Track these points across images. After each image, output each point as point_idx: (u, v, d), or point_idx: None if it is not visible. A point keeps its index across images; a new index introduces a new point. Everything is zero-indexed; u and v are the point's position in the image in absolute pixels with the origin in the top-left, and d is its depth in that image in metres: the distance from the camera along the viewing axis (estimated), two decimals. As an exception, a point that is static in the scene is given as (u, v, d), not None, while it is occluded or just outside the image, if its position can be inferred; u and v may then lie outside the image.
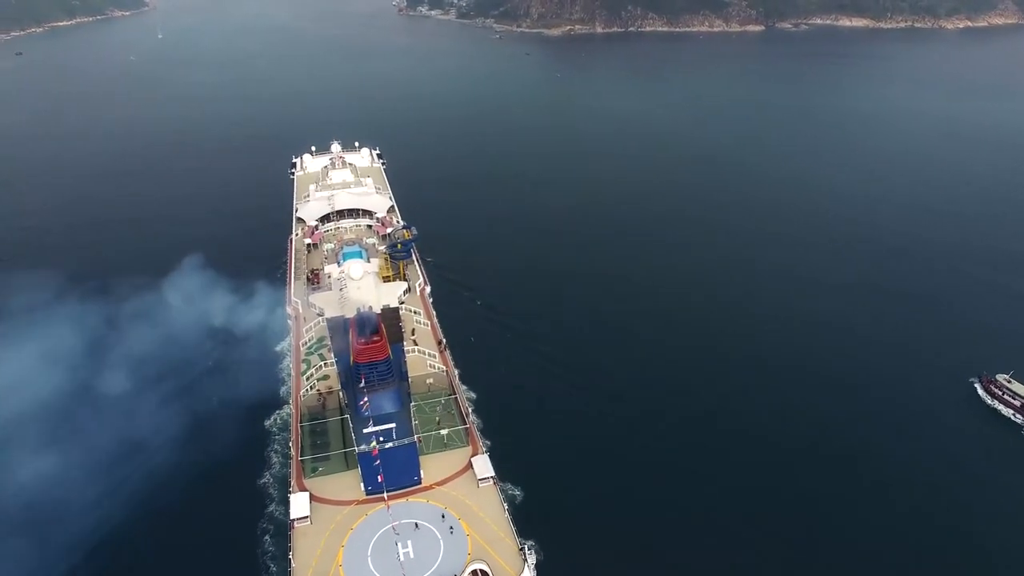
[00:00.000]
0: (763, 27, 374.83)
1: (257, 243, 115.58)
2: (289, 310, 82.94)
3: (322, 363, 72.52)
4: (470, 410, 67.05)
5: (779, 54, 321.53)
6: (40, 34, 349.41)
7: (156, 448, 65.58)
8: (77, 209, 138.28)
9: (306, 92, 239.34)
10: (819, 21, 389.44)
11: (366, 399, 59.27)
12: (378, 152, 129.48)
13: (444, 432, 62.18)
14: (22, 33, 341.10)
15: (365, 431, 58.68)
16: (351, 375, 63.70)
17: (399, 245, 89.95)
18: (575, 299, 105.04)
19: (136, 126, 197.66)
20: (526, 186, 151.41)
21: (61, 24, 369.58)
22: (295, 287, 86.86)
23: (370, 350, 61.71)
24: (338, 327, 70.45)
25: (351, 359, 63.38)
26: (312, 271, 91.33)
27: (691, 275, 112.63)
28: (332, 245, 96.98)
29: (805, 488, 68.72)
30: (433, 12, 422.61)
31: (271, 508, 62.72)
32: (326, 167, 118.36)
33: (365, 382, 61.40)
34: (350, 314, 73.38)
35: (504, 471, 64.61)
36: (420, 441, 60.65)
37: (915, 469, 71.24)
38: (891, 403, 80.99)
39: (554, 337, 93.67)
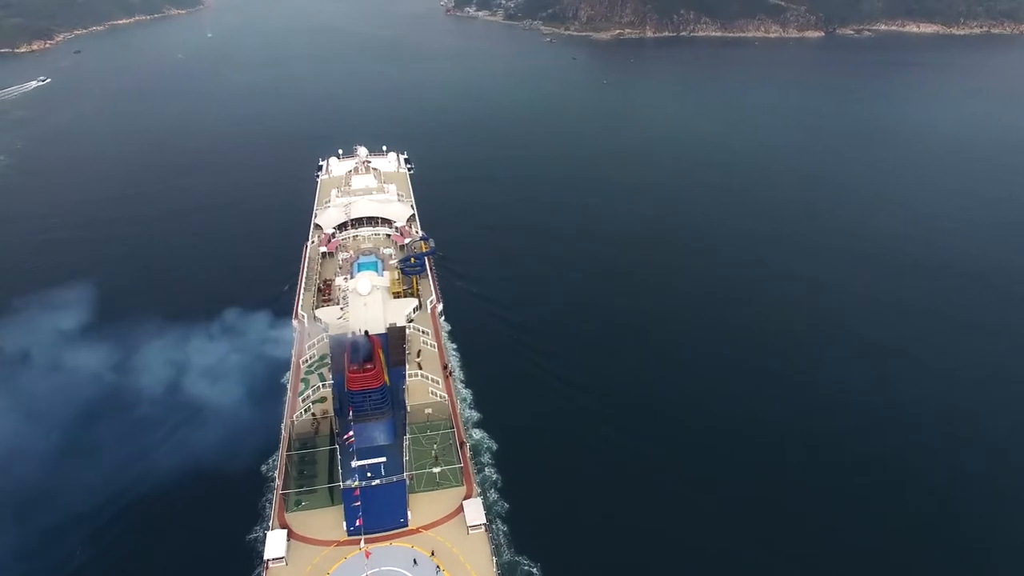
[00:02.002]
0: (822, 33, 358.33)
1: (279, 250, 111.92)
2: (295, 323, 79.65)
3: (321, 384, 68.73)
4: (468, 446, 62.04)
5: (840, 62, 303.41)
6: (100, 32, 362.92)
7: (134, 504, 61.42)
8: (100, 210, 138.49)
9: (345, 93, 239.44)
10: (884, 27, 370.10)
11: (351, 432, 54.98)
12: (406, 157, 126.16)
13: (437, 471, 57.46)
14: (84, 31, 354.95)
15: (353, 464, 54.66)
16: (344, 402, 59.81)
17: (413, 259, 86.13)
18: (622, 328, 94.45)
19: (173, 124, 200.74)
20: (567, 198, 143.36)
21: (120, 23, 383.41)
22: (304, 298, 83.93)
23: (363, 378, 57.54)
24: (339, 346, 66.66)
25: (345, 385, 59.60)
26: (324, 281, 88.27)
27: (748, 295, 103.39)
28: (348, 254, 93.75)
29: (863, 533, 62.41)
30: (480, 13, 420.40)
31: (259, 572, 55.81)
32: (350, 172, 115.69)
33: (354, 412, 57.23)
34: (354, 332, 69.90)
35: (506, 524, 59.80)
36: (412, 479, 56.32)
37: (981, 518, 64.26)
38: (958, 441, 73.93)
39: (593, 376, 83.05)
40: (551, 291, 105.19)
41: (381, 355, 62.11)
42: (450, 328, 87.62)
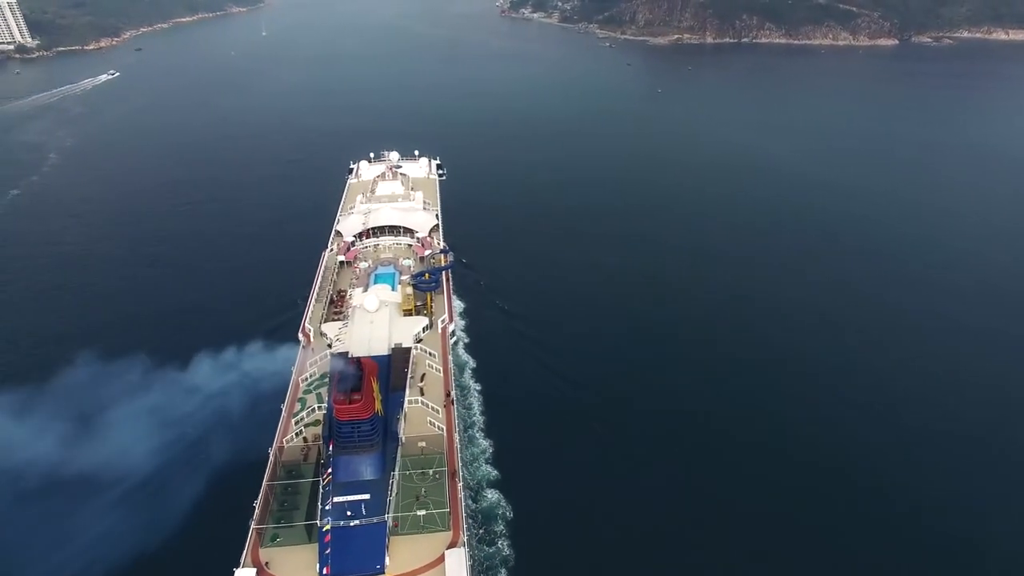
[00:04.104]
0: (896, 41, 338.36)
1: (302, 256, 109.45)
2: (301, 336, 76.33)
3: (317, 405, 64.98)
4: (461, 487, 56.85)
5: (916, 73, 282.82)
6: (164, 30, 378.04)
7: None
8: (129, 210, 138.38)
9: (389, 94, 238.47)
10: (966, 34, 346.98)
11: (329, 471, 50.88)
12: (438, 162, 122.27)
13: (422, 514, 52.61)
14: (149, 29, 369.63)
15: (334, 500, 50.65)
16: (334, 429, 55.80)
17: (427, 275, 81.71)
18: (674, 367, 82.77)
19: (214, 122, 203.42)
20: (611, 213, 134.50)
21: (184, 20, 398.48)
22: (313, 310, 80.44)
23: (349, 410, 53.32)
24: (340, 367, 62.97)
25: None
26: (338, 292, 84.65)
27: (811, 335, 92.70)
28: (367, 264, 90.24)
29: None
30: (535, 15, 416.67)
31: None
32: (378, 177, 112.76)
33: (340, 444, 53.14)
34: (357, 351, 66.04)
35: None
36: (396, 525, 51.78)
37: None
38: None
39: (643, 439, 70.44)
40: (599, 321, 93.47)
41: (374, 383, 57.87)
42: (475, 365, 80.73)
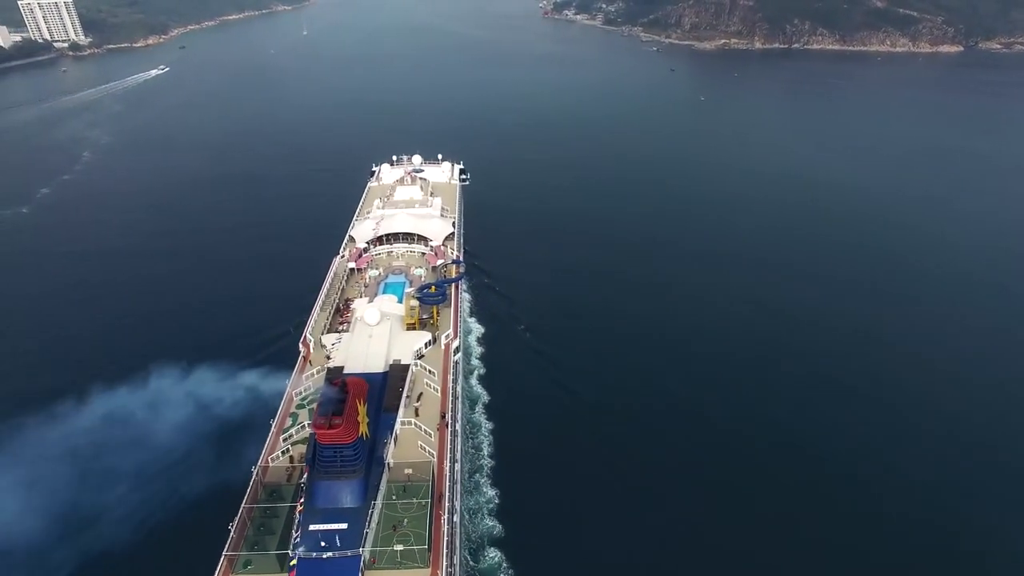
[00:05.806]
0: (960, 48, 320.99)
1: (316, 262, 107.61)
2: (301, 347, 73.59)
3: (308, 422, 61.80)
4: (445, 521, 52.92)
5: (981, 82, 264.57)
6: (210, 27, 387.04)
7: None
8: (153, 211, 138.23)
9: (422, 95, 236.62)
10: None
11: (301, 499, 47.67)
12: (462, 167, 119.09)
13: (399, 548, 48.85)
14: (196, 26, 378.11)
15: (310, 528, 47.46)
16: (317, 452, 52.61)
17: (433, 287, 78.18)
18: (733, 417, 72.87)
19: (248, 120, 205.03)
20: (648, 226, 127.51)
21: (230, 18, 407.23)
22: (317, 319, 77.64)
23: (330, 434, 50.00)
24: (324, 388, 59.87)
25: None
26: (345, 301, 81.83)
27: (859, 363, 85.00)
28: (377, 272, 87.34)
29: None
30: (579, 17, 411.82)
31: None
32: (397, 181, 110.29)
33: (315, 470, 49.87)
34: (353, 367, 62.97)
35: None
36: (375, 561, 48.27)
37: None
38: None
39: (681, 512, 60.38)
40: (640, 351, 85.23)
41: (360, 405, 54.43)
42: (488, 399, 74.75)
